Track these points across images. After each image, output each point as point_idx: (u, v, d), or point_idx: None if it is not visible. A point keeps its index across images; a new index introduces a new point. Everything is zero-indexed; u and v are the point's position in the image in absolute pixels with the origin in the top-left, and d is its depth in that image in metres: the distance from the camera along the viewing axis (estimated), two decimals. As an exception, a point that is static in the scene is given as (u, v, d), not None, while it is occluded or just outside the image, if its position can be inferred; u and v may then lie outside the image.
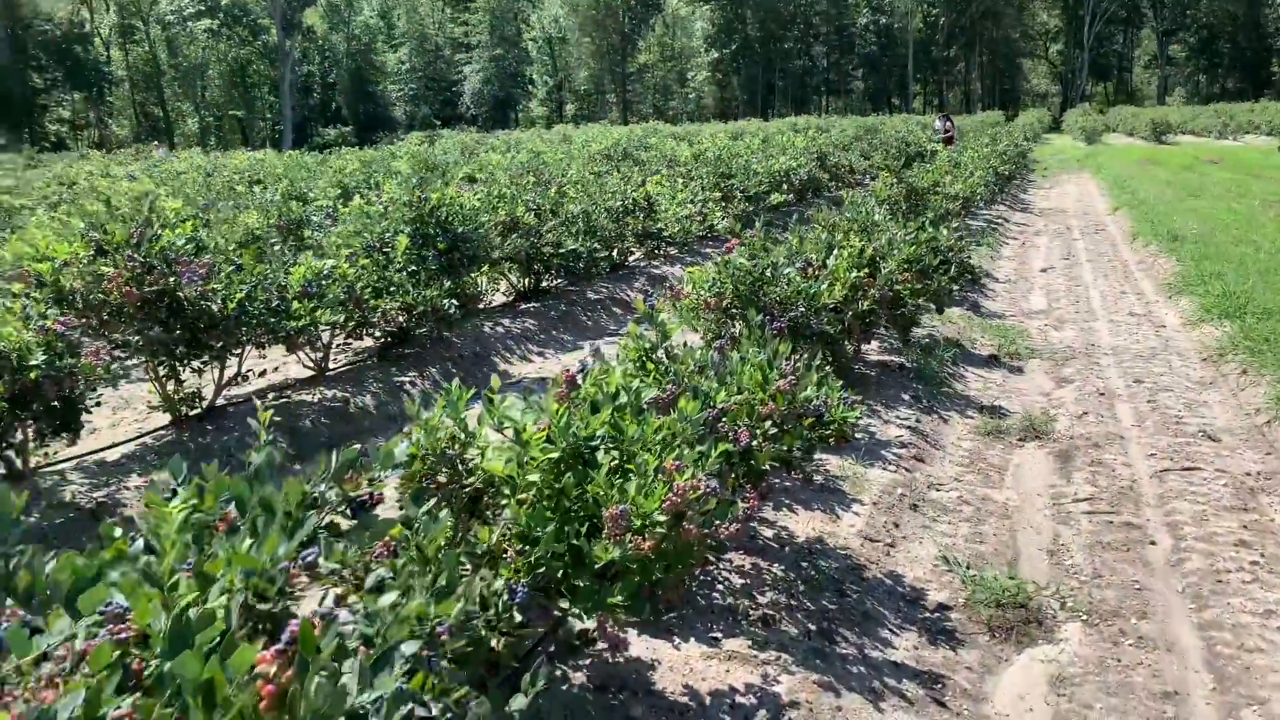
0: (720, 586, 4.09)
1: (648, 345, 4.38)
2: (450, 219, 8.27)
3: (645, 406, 3.09)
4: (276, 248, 7.97)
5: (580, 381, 3.18)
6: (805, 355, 5.90)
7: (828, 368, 4.43)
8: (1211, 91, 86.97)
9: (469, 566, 2.73)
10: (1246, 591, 4.40)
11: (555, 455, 2.72)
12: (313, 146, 54.21)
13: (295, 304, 6.52)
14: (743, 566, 4.27)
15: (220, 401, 7.01)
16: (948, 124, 28.63)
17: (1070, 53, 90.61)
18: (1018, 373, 8.25)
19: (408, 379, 7.75)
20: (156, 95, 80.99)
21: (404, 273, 7.70)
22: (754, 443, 3.73)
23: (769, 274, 6.15)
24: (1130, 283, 12.12)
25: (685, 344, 4.43)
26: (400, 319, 7.58)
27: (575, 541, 2.63)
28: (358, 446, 2.48)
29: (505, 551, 2.74)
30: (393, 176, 19.37)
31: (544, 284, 10.56)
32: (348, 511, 2.40)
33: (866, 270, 6.83)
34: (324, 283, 6.84)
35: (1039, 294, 11.72)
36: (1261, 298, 9.59)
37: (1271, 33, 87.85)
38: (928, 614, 4.23)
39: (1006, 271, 13.31)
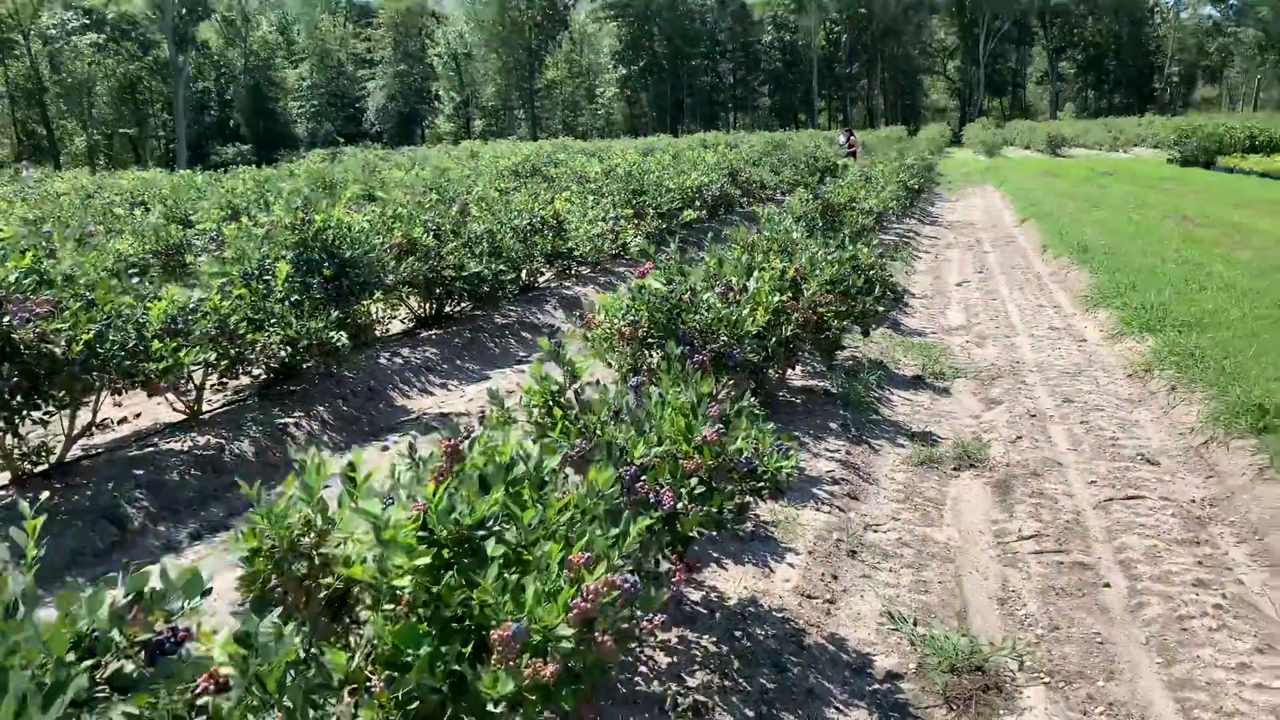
0: (644, 669, 3.54)
1: (554, 388, 3.82)
2: (338, 242, 7.58)
3: (548, 478, 2.53)
4: (137, 279, 7.16)
5: (465, 452, 2.59)
6: (730, 389, 5.42)
7: (754, 400, 3.93)
8: (1100, 106, 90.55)
9: (322, 701, 2.12)
10: (1215, 641, 4.03)
11: (427, 560, 2.13)
12: (209, 165, 52.28)
13: (156, 343, 5.77)
14: (669, 641, 3.73)
15: (75, 454, 6.21)
16: (851, 138, 28.80)
17: (967, 69, 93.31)
18: (945, 394, 7.93)
19: (292, 420, 7.02)
20: (39, 113, 77.40)
21: (285, 303, 6.98)
22: (679, 505, 3.20)
23: (688, 300, 5.65)
24: (1046, 295, 12.02)
25: (598, 382, 3.88)
26: (282, 354, 6.85)
27: (458, 666, 2.05)
28: (152, 569, 1.85)
29: (369, 680, 2.14)
30: (287, 197, 18.46)
31: (447, 309, 9.90)
32: (142, 657, 1.78)
33: (789, 293, 6.40)
34: (191, 318, 6.10)
35: (957, 309, 11.52)
36: (1179, 309, 9.49)
37: (1154, 50, 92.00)
38: (877, 685, 3.75)
39: (923, 286, 13.12)
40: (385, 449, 6.80)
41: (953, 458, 6.32)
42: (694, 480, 3.31)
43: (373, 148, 58.98)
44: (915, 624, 4.19)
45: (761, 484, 3.51)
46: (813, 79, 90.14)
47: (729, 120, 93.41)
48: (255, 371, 7.09)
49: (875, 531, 5.18)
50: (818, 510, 5.25)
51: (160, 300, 5.99)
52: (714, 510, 3.30)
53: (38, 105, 75.87)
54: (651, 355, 5.58)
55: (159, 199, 18.35)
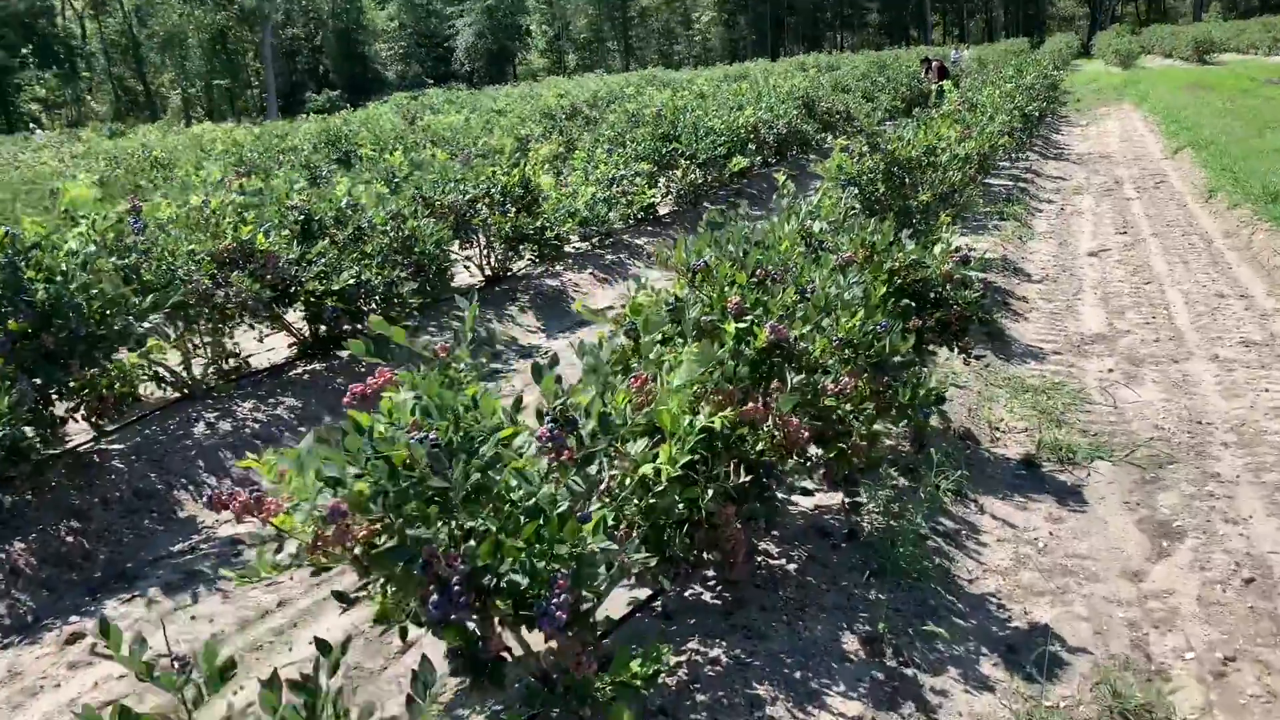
0: None
1: None
2: (50, 275, 4.65)
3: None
4: None
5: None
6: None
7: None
8: (1251, 5, 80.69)
9: None
10: None
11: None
12: (302, 112, 50.81)
13: None
14: None
15: None
16: (934, 65, 24.37)
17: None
18: (1074, 505, 4.55)
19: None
20: (135, 68, 77.88)
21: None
22: None
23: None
24: (1225, 273, 8.31)
25: None
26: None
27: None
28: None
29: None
30: (287, 154, 15.80)
31: (340, 331, 6.91)
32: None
33: (742, 395, 3.16)
34: None
35: (1092, 301, 7.94)
36: None
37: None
38: None
39: (1042, 259, 9.50)
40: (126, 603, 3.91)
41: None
42: None
43: (457, 88, 56.66)
44: None
45: None
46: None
47: (836, 40, 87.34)
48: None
49: None
50: None
51: None
52: None
53: (134, 61, 76.21)
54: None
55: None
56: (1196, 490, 4.52)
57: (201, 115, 70.16)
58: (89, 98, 75.98)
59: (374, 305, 6.49)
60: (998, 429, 5.30)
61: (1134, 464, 4.86)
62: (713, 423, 2.79)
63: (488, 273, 9.11)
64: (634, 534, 2.72)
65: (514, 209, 8.40)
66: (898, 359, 3.47)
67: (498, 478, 2.34)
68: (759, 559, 3.71)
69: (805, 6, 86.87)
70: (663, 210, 12.64)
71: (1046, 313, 7.63)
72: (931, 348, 4.86)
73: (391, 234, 6.94)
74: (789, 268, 4.54)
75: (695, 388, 2.90)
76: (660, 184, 12.45)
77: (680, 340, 3.23)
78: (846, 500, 4.03)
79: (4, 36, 66.88)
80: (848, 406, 3.34)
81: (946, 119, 9.43)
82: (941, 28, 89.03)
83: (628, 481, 2.60)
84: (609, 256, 10.47)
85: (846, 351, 3.43)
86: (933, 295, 4.68)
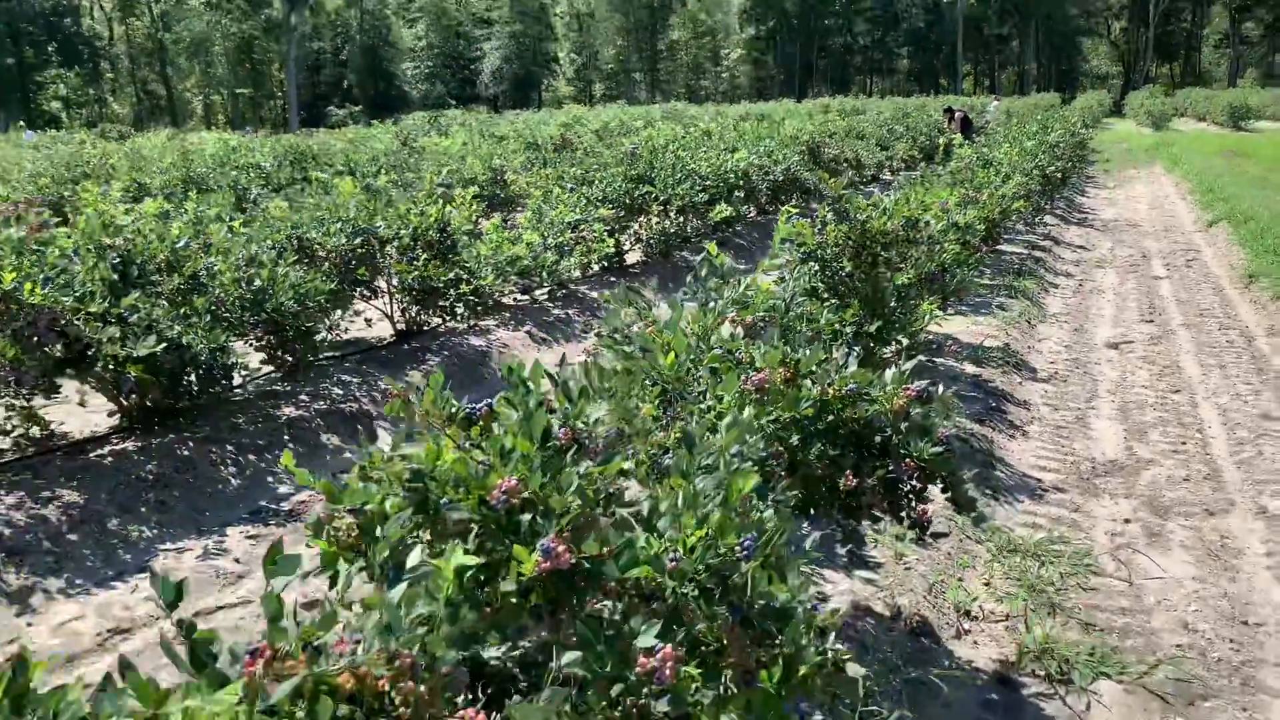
0: None
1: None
2: None
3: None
4: None
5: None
6: None
7: None
8: (1288, 72, 79.28)
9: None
10: None
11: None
12: (324, 125, 50.20)
13: None
14: None
15: None
16: (957, 115, 23.04)
17: (1134, 31, 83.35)
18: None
19: None
20: (159, 72, 77.85)
21: None
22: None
23: None
24: (1273, 388, 6.87)
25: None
26: None
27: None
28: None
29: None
30: (245, 170, 14.64)
31: (176, 403, 5.56)
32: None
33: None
34: None
35: (1108, 411, 6.52)
36: None
37: (1355, 9, 79.93)
38: None
39: (1052, 348, 8.09)
40: None
41: None
42: None
43: (476, 110, 56.02)
44: None
45: None
46: (958, 40, 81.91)
47: (865, 85, 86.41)
48: None
49: None
50: None
51: None
52: None
53: (159, 65, 76.15)
54: None
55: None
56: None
57: (223, 123, 69.84)
58: (111, 100, 75.82)
59: (197, 377, 5.15)
60: (968, 614, 3.88)
61: (1152, 690, 3.44)
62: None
63: (400, 326, 7.80)
64: None
65: (424, 255, 7.07)
66: (777, 602, 2.08)
67: None
68: None
69: (835, 49, 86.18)
70: (633, 258, 11.34)
71: (1051, 426, 6.21)
72: (876, 518, 3.47)
73: (245, 285, 5.61)
74: (671, 400, 3.23)
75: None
76: (633, 229, 11.17)
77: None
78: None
79: (30, 34, 66.82)
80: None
81: (944, 182, 8.06)
82: (973, 78, 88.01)
83: None
84: (556, 311, 9.14)
85: (688, 586, 2.05)
86: (878, 440, 3.30)
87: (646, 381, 3.37)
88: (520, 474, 2.06)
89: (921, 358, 6.18)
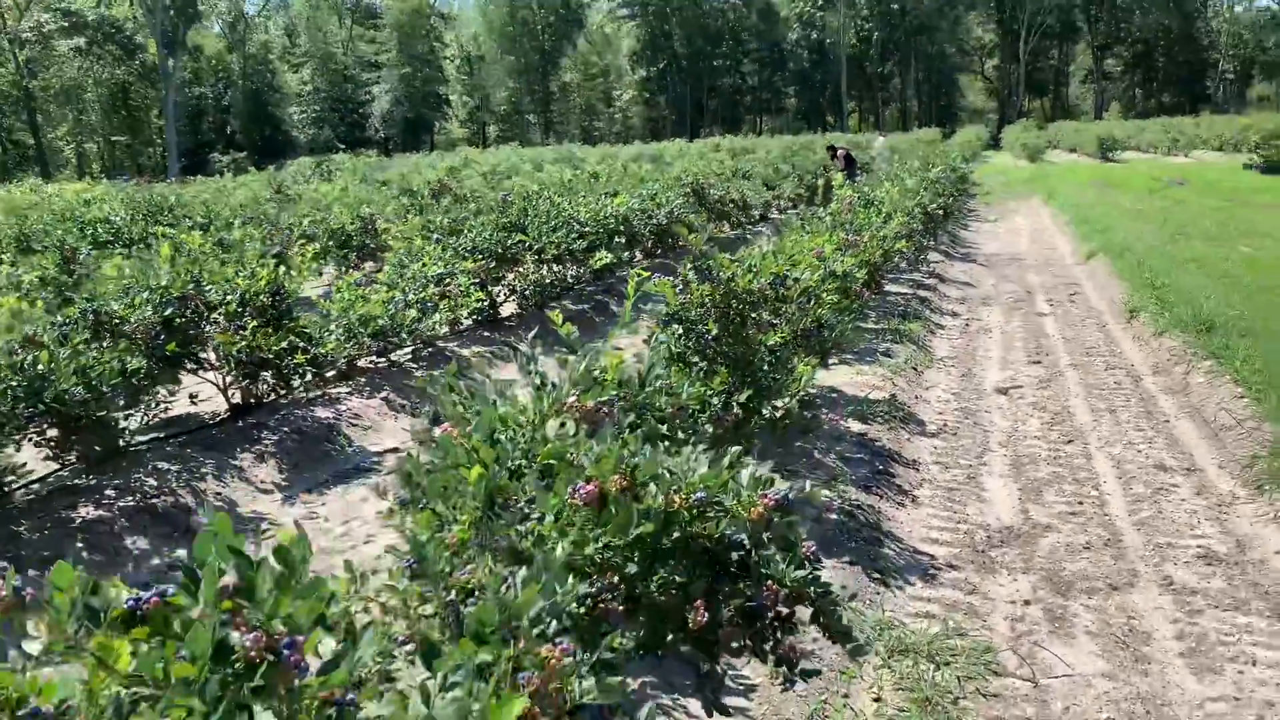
0: None
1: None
2: None
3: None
4: None
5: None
6: None
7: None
8: (1148, 106, 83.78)
9: None
10: None
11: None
12: (206, 173, 48.40)
13: None
14: None
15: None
16: (840, 153, 23.12)
17: (1006, 67, 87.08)
18: None
19: None
20: (27, 120, 74.14)
21: None
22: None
23: None
24: (1164, 433, 6.60)
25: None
26: None
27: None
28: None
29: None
30: (93, 224, 13.53)
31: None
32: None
33: None
34: None
35: (1000, 467, 6.14)
36: None
37: (1206, 46, 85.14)
38: None
39: (940, 396, 7.74)
40: None
41: None
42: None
43: (365, 155, 54.69)
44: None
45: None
46: (842, 79, 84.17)
47: (755, 124, 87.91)
48: None
49: None
50: None
51: None
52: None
53: (25, 112, 72.51)
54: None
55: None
56: None
57: (98, 172, 66.77)
58: (-27, 149, 71.89)
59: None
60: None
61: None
62: None
63: (235, 400, 6.98)
64: None
65: (254, 323, 6.31)
66: None
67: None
68: None
69: (725, 89, 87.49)
70: (509, 310, 10.71)
71: (943, 488, 5.78)
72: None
73: (17, 371, 4.78)
74: (498, 511, 2.64)
75: None
76: (508, 280, 10.55)
77: None
78: None
79: (-122, 82, 63.05)
80: None
81: (825, 224, 7.69)
82: (858, 115, 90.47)
83: None
84: (419, 373, 8.42)
85: None
86: (735, 558, 2.74)
87: (460, 497, 2.76)
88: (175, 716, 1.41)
89: (806, 414, 5.70)
